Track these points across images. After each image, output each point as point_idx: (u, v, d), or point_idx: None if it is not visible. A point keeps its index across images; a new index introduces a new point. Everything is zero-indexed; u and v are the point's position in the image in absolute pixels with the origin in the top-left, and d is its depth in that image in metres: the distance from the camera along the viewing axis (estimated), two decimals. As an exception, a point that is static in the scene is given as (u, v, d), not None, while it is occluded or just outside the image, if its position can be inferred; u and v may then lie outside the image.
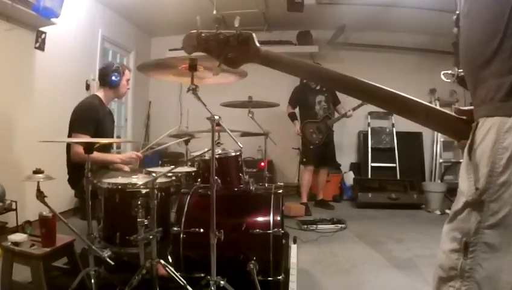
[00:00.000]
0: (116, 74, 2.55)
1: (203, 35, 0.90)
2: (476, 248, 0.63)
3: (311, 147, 4.35)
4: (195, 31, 0.91)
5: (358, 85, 0.83)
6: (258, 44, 0.88)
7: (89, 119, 2.42)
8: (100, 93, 2.61)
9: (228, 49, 0.88)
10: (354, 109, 4.31)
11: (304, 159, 4.48)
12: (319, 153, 4.39)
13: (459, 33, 0.74)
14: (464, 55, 0.72)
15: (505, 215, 0.60)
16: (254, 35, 0.88)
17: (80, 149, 2.33)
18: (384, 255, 2.80)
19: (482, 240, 0.63)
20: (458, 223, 0.67)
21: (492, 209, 0.62)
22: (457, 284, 0.66)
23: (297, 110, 4.57)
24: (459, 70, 0.82)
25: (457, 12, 0.75)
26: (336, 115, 4.51)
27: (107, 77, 2.55)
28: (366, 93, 0.84)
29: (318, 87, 4.40)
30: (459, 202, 0.68)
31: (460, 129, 0.75)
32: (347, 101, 4.47)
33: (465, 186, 0.67)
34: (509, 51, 0.62)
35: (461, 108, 0.77)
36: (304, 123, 4.41)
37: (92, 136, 2.36)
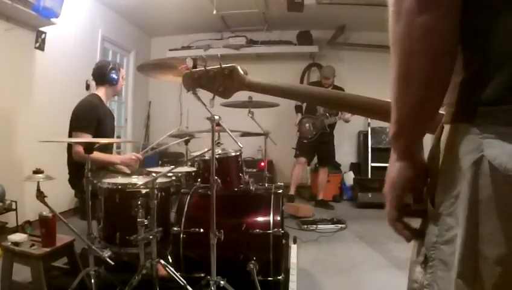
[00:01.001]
0: (114, 71, 2.56)
1: (195, 75, 1.02)
2: (434, 264, 0.60)
3: (304, 141, 4.46)
4: (189, 71, 1.04)
5: (338, 98, 0.88)
6: (242, 74, 0.97)
7: (90, 118, 2.42)
8: (99, 92, 2.61)
9: (217, 83, 0.98)
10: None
11: (297, 152, 4.60)
12: (313, 149, 4.49)
13: None
14: None
15: (457, 233, 0.55)
16: (238, 67, 0.97)
17: (81, 148, 2.33)
18: (384, 255, 2.80)
19: (438, 257, 0.59)
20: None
21: (448, 223, 0.57)
22: None
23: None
24: None
25: None
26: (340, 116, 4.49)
27: (106, 76, 2.55)
28: (348, 105, 0.87)
29: (327, 87, 4.42)
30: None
31: None
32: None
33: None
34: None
35: None
36: (302, 117, 4.53)
37: (93, 135, 2.36)
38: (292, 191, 4.52)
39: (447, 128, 0.60)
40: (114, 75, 2.56)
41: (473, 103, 0.54)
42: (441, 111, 0.67)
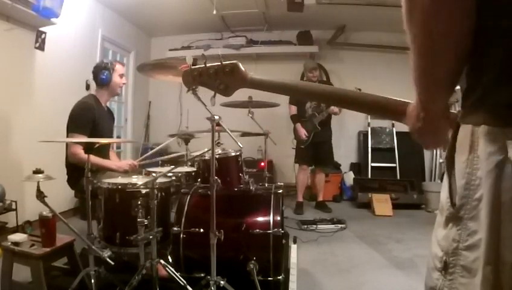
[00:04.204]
0: (105, 71, 2.51)
1: (195, 72, 0.99)
2: (454, 270, 0.58)
3: (302, 146, 4.32)
4: (188, 68, 1.01)
5: (339, 95, 0.87)
6: (244, 71, 0.94)
7: (85, 119, 2.39)
8: (97, 93, 2.61)
9: (218, 80, 0.96)
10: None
11: (296, 159, 4.47)
12: (311, 153, 4.34)
13: None
14: None
15: (482, 238, 0.53)
16: (239, 64, 0.95)
17: (77, 150, 2.32)
18: (384, 255, 2.80)
19: (460, 263, 0.57)
20: (441, 240, 0.62)
21: (471, 228, 0.55)
22: None
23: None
24: None
25: None
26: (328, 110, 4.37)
27: (97, 77, 2.53)
28: (348, 101, 0.85)
29: (315, 81, 4.34)
30: (442, 215, 0.62)
31: None
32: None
33: (444, 199, 0.62)
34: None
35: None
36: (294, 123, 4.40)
37: (89, 137, 2.33)
38: (300, 198, 4.40)
39: (466, 128, 0.58)
40: (103, 76, 2.51)
41: (496, 104, 0.52)
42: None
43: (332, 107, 4.22)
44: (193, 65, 1.08)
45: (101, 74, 2.51)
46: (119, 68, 2.61)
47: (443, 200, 0.62)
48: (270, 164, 5.18)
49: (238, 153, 2.19)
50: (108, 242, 1.93)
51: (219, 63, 0.96)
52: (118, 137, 5.08)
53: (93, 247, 1.77)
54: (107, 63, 2.57)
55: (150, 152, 2.75)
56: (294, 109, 4.40)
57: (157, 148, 2.66)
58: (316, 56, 5.50)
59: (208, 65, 0.98)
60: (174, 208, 2.12)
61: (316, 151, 4.37)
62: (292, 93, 0.98)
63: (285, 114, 4.82)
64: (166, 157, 2.79)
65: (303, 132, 4.27)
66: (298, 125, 4.32)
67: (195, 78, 1.00)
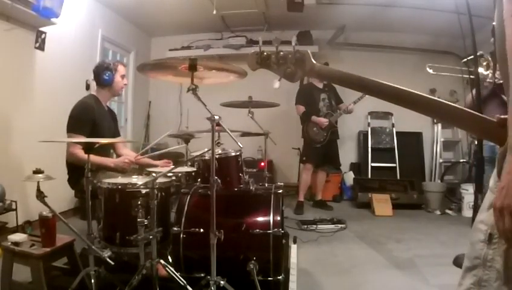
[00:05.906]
0: (107, 72, 2.51)
1: (265, 53, 1.02)
2: (498, 240, 0.67)
3: (317, 145, 4.28)
4: (257, 50, 1.02)
5: (405, 96, 0.91)
6: (313, 61, 0.98)
7: (84, 119, 2.39)
8: (97, 93, 2.60)
9: (287, 65, 0.99)
10: (354, 102, 4.24)
11: (304, 158, 4.43)
12: (321, 152, 4.33)
13: (495, 42, 0.78)
14: (502, 59, 0.72)
15: None
16: (309, 52, 0.98)
17: (76, 149, 2.32)
18: (384, 255, 2.80)
19: None
20: (485, 216, 0.71)
21: None
22: (479, 273, 0.70)
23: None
24: (497, 78, 0.91)
25: (494, 23, 0.78)
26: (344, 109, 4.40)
27: (99, 77, 2.53)
28: (415, 104, 0.90)
29: (321, 86, 4.39)
30: (488, 199, 0.72)
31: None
32: (346, 96, 4.47)
33: (493, 184, 0.72)
34: None
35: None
36: (307, 122, 4.35)
37: (88, 137, 2.33)
38: (301, 198, 4.39)
39: None
40: (106, 76, 2.51)
41: None
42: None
43: (349, 106, 4.27)
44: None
45: (104, 74, 2.51)
46: (121, 69, 2.60)
47: (492, 186, 0.73)
48: (270, 164, 5.18)
49: (238, 153, 2.19)
50: (108, 242, 1.93)
51: (291, 50, 0.99)
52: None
53: (93, 247, 1.77)
54: (109, 63, 2.56)
55: (148, 147, 2.74)
56: (302, 109, 4.36)
57: (155, 142, 2.65)
58: (316, 56, 5.49)
59: (279, 49, 1.00)
60: (174, 208, 2.12)
61: (326, 150, 4.36)
62: (357, 88, 0.98)
63: (285, 114, 4.83)
64: (163, 151, 2.78)
65: (324, 121, 4.25)
66: (315, 117, 4.27)
67: (263, 60, 1.02)
